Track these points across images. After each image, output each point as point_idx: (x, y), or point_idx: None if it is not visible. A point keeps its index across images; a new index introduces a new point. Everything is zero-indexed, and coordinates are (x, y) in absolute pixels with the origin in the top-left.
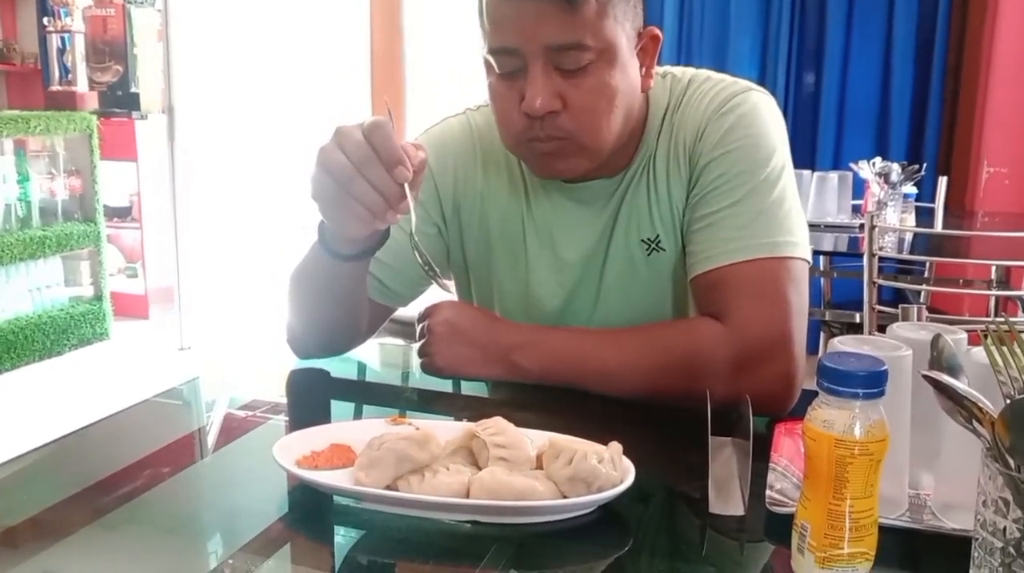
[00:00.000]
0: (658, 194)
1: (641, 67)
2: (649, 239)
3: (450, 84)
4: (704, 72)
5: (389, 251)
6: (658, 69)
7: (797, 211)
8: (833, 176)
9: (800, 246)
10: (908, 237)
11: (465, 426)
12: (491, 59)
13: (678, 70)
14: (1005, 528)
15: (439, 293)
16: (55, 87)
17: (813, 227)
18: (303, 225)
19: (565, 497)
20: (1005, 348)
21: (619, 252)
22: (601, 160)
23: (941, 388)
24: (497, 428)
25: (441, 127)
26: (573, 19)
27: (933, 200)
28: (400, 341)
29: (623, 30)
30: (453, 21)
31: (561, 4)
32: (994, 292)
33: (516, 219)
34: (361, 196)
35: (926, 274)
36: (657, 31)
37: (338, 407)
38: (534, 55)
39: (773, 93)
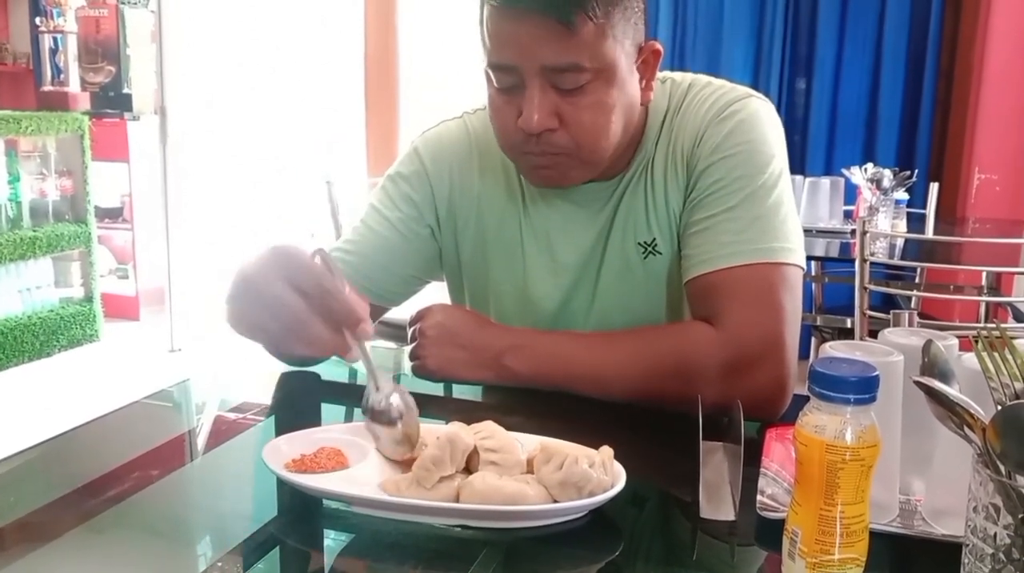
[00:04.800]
0: (655, 198)
1: (641, 80)
2: (645, 242)
3: (444, 87)
4: (704, 78)
5: (379, 249)
6: (658, 74)
7: (793, 217)
8: (825, 181)
9: (795, 253)
10: (899, 243)
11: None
12: (490, 73)
13: (678, 75)
14: (995, 534)
15: (431, 295)
16: (47, 87)
17: (805, 232)
18: (312, 233)
19: (556, 501)
20: (996, 354)
21: (615, 255)
22: (598, 171)
23: (932, 394)
24: (488, 431)
25: (438, 130)
26: (570, 41)
27: (924, 206)
28: (392, 344)
29: (622, 48)
30: (447, 24)
31: (559, 26)
32: (985, 298)
33: (513, 222)
34: (312, 342)
35: (917, 280)
36: (658, 46)
37: (328, 410)
38: (531, 74)
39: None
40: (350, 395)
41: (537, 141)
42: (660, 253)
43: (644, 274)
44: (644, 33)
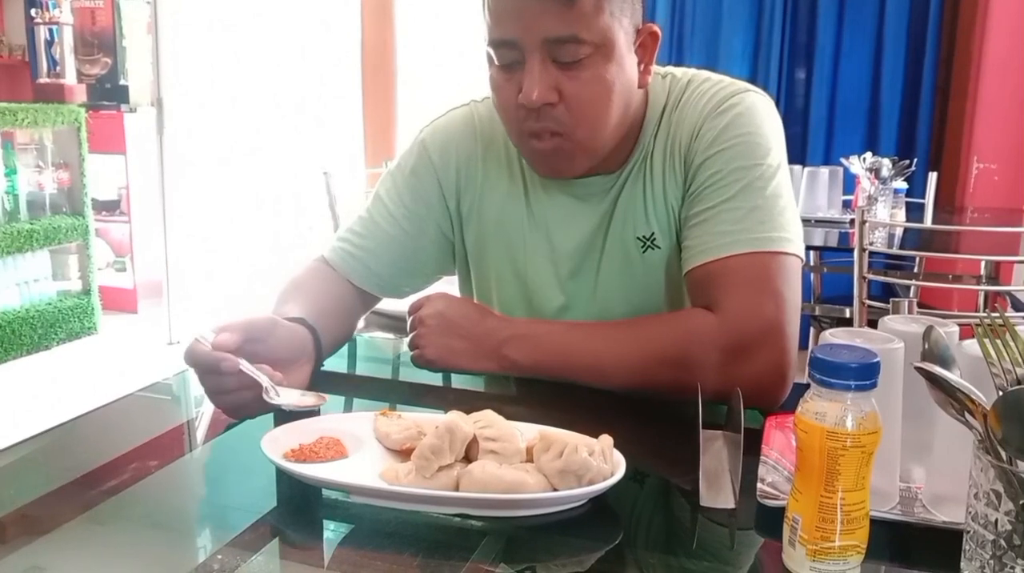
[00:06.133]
0: (654, 192)
1: (640, 63)
2: (644, 237)
3: (441, 77)
4: (704, 73)
5: (386, 246)
6: (659, 69)
7: (792, 209)
8: (824, 171)
9: (794, 243)
10: (898, 232)
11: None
12: (491, 51)
13: (679, 71)
14: (996, 520)
15: (434, 285)
16: (43, 79)
17: (803, 222)
18: (310, 226)
19: (555, 490)
20: (998, 341)
21: (615, 248)
22: (600, 157)
23: (933, 380)
24: (487, 420)
25: (445, 119)
26: (570, 12)
27: (923, 195)
28: (390, 335)
29: (620, 26)
30: (445, 14)
31: None
32: (983, 287)
33: (515, 212)
34: (228, 402)
35: (916, 269)
36: (656, 28)
37: (328, 400)
38: (532, 47)
39: (765, 89)
40: (348, 386)
41: (537, 117)
42: (659, 247)
43: (644, 268)
44: (642, 16)
